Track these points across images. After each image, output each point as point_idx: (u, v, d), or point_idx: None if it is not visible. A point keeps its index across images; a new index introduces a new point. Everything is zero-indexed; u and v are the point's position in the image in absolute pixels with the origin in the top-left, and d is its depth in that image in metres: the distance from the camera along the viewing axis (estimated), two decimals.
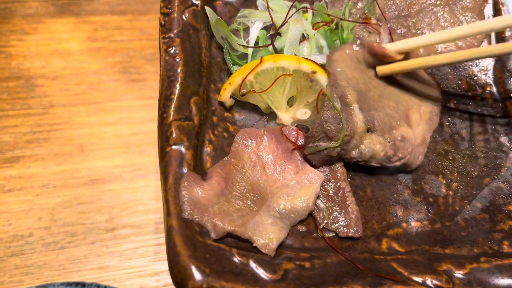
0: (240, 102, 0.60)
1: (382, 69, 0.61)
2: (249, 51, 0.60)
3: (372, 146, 0.55)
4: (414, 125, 0.60)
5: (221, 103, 0.59)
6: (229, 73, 0.61)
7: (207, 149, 0.54)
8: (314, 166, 0.56)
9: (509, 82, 0.64)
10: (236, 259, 0.46)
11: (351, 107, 0.55)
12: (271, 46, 0.61)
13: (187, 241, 0.44)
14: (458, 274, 0.49)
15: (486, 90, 0.65)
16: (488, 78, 0.66)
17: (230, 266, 0.45)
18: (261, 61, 0.56)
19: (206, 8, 0.59)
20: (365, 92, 0.59)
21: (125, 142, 0.84)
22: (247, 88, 0.57)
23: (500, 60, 0.65)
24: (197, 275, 0.42)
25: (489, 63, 0.66)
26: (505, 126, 0.63)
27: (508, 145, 0.61)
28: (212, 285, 0.42)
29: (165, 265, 0.73)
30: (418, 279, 0.47)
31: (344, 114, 0.54)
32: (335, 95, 0.55)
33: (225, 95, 0.57)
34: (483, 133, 0.62)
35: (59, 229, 0.75)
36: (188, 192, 0.47)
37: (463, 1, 0.67)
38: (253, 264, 0.46)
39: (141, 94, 0.89)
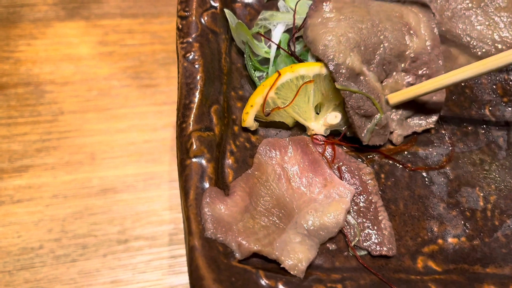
0: None
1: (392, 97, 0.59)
2: (271, 56, 0.57)
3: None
4: (417, 27, 0.59)
5: (245, 128, 0.55)
6: (250, 80, 0.57)
7: (229, 161, 0.51)
8: (343, 179, 0.52)
9: None
10: (264, 282, 0.42)
11: (362, 77, 0.55)
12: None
13: (211, 263, 0.41)
14: None
15: None
16: None
17: None
18: (279, 75, 0.53)
19: (226, 11, 0.55)
20: (360, 35, 0.56)
21: (137, 150, 0.81)
22: (270, 106, 0.54)
23: None
24: None
25: None
26: None
27: None
28: None
29: (180, 279, 0.70)
30: None
31: (363, 87, 0.55)
32: (343, 79, 0.54)
33: (249, 119, 0.53)
34: None
35: (70, 241, 0.73)
36: (211, 209, 0.44)
37: (496, 1, 0.63)
38: None
39: (153, 100, 0.86)
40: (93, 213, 0.76)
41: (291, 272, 0.44)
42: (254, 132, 0.55)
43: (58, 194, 0.76)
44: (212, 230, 0.43)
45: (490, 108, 0.61)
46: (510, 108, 0.61)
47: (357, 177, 0.52)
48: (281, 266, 0.45)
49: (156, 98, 0.86)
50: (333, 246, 0.49)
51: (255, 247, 0.44)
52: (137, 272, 0.72)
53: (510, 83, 0.62)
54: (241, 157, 0.52)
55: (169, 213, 0.76)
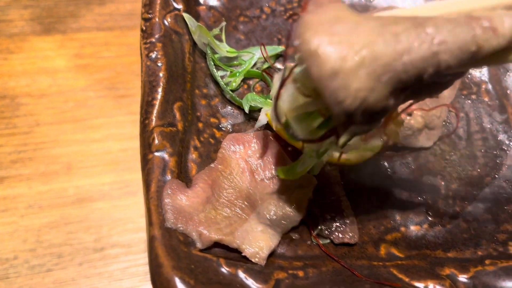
0: (229, 108, 0.58)
1: None
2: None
3: None
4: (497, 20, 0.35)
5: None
6: (214, 79, 0.59)
7: (192, 155, 0.52)
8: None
9: (504, 78, 0.62)
10: (224, 269, 0.43)
11: (381, 114, 0.37)
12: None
13: (171, 251, 0.41)
14: (462, 278, 0.46)
15: (482, 88, 0.63)
16: (483, 75, 0.64)
17: (217, 277, 0.42)
18: None
19: (185, 15, 0.57)
20: (396, 46, 0.34)
21: (113, 159, 0.81)
22: None
23: None
24: (182, 287, 0.39)
25: None
26: (503, 123, 0.60)
27: (507, 142, 0.59)
28: None
29: None
30: (420, 285, 0.44)
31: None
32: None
33: None
34: (481, 132, 0.60)
35: (45, 250, 0.72)
36: (172, 200, 0.45)
37: None
38: (242, 275, 0.43)
39: (129, 110, 0.87)
40: (69, 222, 0.75)
41: (252, 260, 0.45)
42: (219, 129, 0.56)
43: (33, 205, 0.76)
44: (172, 220, 0.44)
45: (450, 101, 0.62)
46: (469, 101, 0.63)
47: None
48: (242, 254, 0.45)
49: (132, 107, 0.87)
50: (296, 235, 0.50)
51: (216, 236, 0.44)
52: (113, 280, 0.71)
53: (469, 76, 0.64)
54: (205, 152, 0.53)
55: (145, 220, 0.76)
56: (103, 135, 0.84)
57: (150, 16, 0.55)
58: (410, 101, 0.43)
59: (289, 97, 0.42)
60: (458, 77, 0.40)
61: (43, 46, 0.92)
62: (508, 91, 0.61)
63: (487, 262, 0.47)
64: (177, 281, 0.40)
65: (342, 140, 0.40)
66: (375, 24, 0.35)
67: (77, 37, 0.94)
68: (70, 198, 0.77)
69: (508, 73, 0.62)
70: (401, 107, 0.44)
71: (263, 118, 0.54)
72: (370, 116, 0.36)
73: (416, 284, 0.45)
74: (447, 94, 0.58)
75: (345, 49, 0.34)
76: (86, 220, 0.75)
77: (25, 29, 0.93)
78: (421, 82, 0.36)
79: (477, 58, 0.36)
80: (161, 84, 0.51)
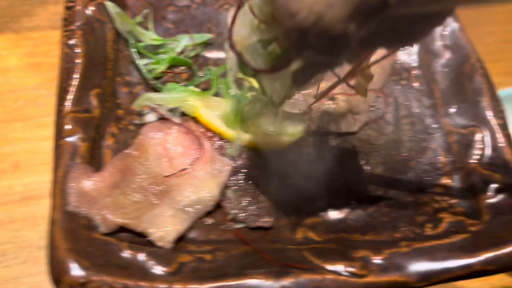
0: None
1: None
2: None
3: None
4: None
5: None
6: (138, 67, 0.59)
7: (108, 142, 0.51)
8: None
9: (433, 64, 0.62)
10: (125, 253, 0.42)
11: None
12: None
13: (69, 234, 0.41)
14: (375, 260, 0.45)
15: (412, 74, 0.63)
16: (413, 61, 0.64)
17: (116, 260, 0.41)
18: None
19: (106, 3, 0.57)
20: None
21: None
22: None
23: (424, 43, 0.63)
24: (74, 269, 0.39)
25: (414, 46, 0.65)
26: (430, 108, 0.60)
27: (434, 127, 0.59)
28: (91, 280, 0.38)
29: None
30: (330, 267, 0.44)
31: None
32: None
33: None
34: (409, 117, 0.60)
35: None
36: (76, 183, 0.44)
37: None
38: (143, 258, 0.42)
39: None
40: (14, 220, 0.74)
41: (158, 244, 0.44)
42: (140, 115, 0.56)
43: None
44: (75, 204, 0.43)
45: (379, 87, 0.62)
46: (399, 86, 0.62)
47: None
48: (148, 238, 0.45)
49: None
50: (210, 220, 0.49)
51: (120, 220, 0.44)
52: None
53: (399, 62, 0.64)
54: (122, 138, 0.52)
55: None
56: (53, 133, 0.83)
57: (72, 4, 0.55)
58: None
59: (244, 24, 0.39)
60: (435, 23, 0.36)
61: None
62: (436, 76, 0.61)
63: (402, 244, 0.47)
64: (70, 263, 0.39)
65: (295, 65, 0.37)
66: None
67: (30, 36, 0.94)
68: (17, 196, 0.76)
69: (436, 59, 0.62)
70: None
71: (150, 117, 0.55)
72: (327, 42, 0.32)
73: (326, 266, 0.44)
74: (375, 80, 0.57)
75: None
76: (32, 218, 0.74)
77: None
78: (388, 9, 0.30)
79: None
80: (78, 71, 0.51)
